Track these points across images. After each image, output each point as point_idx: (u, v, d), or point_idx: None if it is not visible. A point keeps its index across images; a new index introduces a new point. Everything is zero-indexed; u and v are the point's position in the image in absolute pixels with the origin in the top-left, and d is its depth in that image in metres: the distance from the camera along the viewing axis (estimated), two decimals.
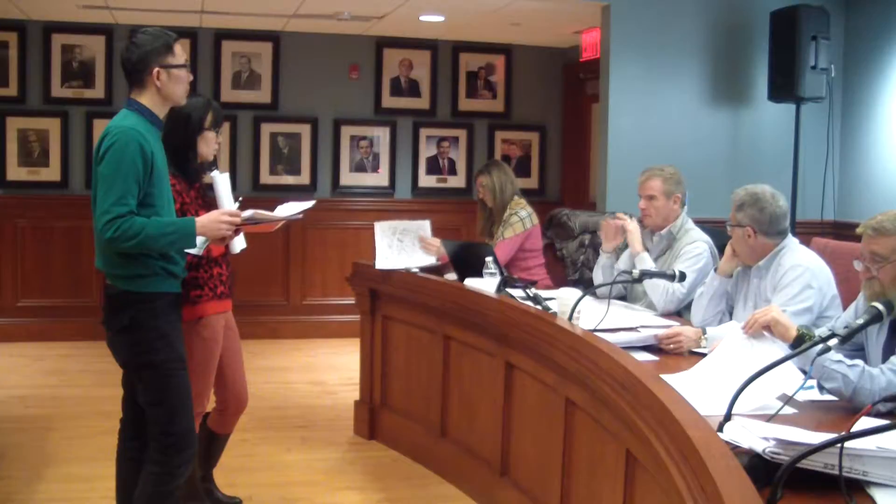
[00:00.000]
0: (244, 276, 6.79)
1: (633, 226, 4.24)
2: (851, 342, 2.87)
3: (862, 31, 6.14)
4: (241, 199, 3.45)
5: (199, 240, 3.13)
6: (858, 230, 2.82)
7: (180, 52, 3.08)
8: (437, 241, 4.79)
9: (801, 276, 3.37)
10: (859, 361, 2.60)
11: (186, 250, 3.20)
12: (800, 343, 2.64)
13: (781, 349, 2.74)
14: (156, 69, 3.01)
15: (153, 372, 3.05)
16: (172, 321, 3.09)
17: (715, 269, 3.75)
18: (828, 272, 3.44)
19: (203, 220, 3.08)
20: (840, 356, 2.58)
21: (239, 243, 3.47)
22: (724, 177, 5.97)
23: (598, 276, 4.38)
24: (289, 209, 3.44)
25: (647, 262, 4.09)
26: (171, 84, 3.05)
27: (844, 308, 3.39)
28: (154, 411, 3.08)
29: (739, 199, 3.53)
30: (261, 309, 7.39)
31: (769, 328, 2.73)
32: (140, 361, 3.05)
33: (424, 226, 4.85)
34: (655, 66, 6.01)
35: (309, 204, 3.48)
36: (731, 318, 3.63)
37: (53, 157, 7.20)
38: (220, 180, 3.46)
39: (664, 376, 2.56)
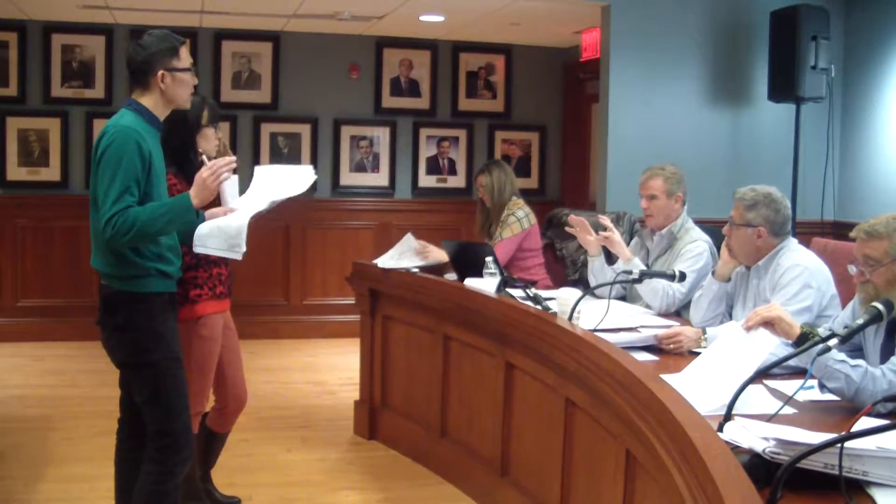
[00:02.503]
0: (244, 277, 6.78)
1: (616, 236, 4.21)
2: (849, 342, 2.87)
3: (862, 31, 6.14)
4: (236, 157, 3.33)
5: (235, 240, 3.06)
6: (852, 234, 2.81)
7: (186, 56, 3.08)
8: (429, 247, 4.79)
9: (800, 275, 3.37)
10: (862, 362, 2.60)
11: (204, 251, 3.13)
12: (803, 341, 2.63)
13: (775, 341, 2.73)
14: (160, 72, 3.01)
15: (149, 371, 3.04)
16: (167, 321, 3.09)
17: (713, 273, 3.74)
18: (826, 272, 3.44)
19: (192, 189, 2.99)
20: (843, 356, 2.58)
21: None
22: (724, 177, 5.97)
23: (592, 281, 4.36)
24: (270, 174, 3.38)
25: (640, 268, 4.07)
26: (175, 87, 3.04)
27: (844, 308, 3.39)
28: (151, 411, 3.08)
29: (751, 198, 3.49)
30: (261, 309, 7.39)
31: (772, 325, 2.72)
32: (136, 361, 3.05)
33: (408, 240, 4.84)
34: (655, 66, 6.01)
35: (304, 172, 3.38)
36: (730, 319, 3.62)
37: (53, 157, 7.20)
38: (228, 183, 3.43)
39: (664, 376, 2.56)
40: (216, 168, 3.00)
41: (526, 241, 5.10)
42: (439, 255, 4.80)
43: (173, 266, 3.11)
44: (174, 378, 3.07)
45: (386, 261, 4.78)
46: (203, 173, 3.00)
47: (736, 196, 3.56)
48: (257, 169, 3.45)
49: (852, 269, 2.81)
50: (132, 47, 3.05)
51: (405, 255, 4.77)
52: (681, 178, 4.22)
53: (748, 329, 2.73)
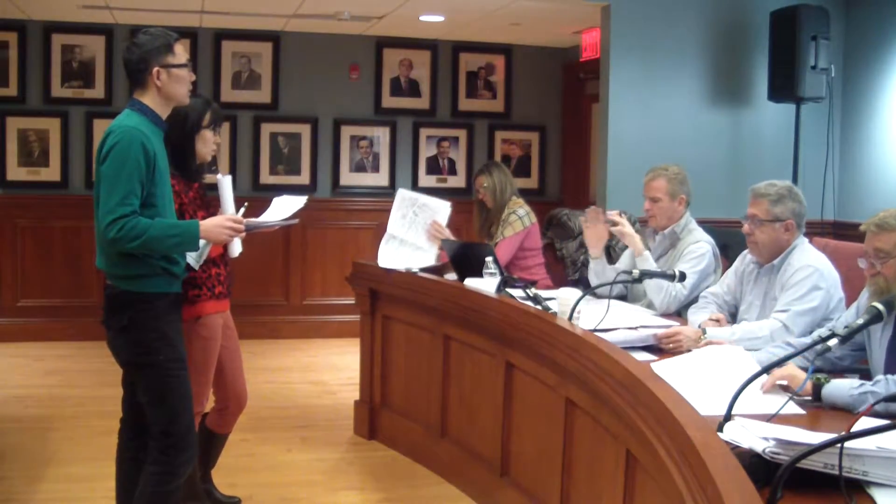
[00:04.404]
0: (244, 277, 6.79)
1: (628, 228, 4.20)
2: (852, 342, 2.87)
3: (862, 31, 6.14)
4: (245, 204, 3.46)
5: (200, 244, 3.13)
6: (862, 227, 2.82)
7: (181, 52, 3.08)
8: (446, 232, 4.79)
9: (810, 276, 3.36)
10: (880, 377, 2.59)
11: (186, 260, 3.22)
12: (817, 391, 2.62)
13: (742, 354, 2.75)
14: (156, 69, 3.01)
15: (153, 372, 3.05)
16: (172, 321, 3.09)
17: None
18: (836, 274, 3.42)
19: (207, 224, 3.09)
20: (858, 382, 2.57)
21: (236, 248, 3.48)
22: (724, 177, 5.98)
23: (593, 280, 4.35)
24: (284, 203, 3.52)
25: (648, 262, 4.08)
26: (172, 84, 3.05)
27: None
28: (154, 411, 3.08)
29: (776, 192, 3.44)
30: (261, 309, 7.39)
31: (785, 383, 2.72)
32: (140, 361, 3.05)
33: (443, 209, 4.84)
34: (655, 66, 6.01)
35: (301, 202, 3.54)
36: (734, 320, 3.61)
37: (53, 157, 7.20)
38: (224, 183, 3.47)
39: (664, 376, 2.55)
40: (238, 230, 3.16)
41: (527, 240, 5.11)
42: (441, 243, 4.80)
43: (179, 266, 3.11)
44: (178, 379, 3.08)
45: (396, 221, 4.84)
46: (227, 223, 3.13)
47: (757, 192, 3.49)
48: (275, 200, 3.62)
49: (862, 263, 2.81)
50: (127, 46, 3.06)
51: (419, 221, 4.77)
52: (684, 178, 4.21)
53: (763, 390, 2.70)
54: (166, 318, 3.06)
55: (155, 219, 2.94)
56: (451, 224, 4.89)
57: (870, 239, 2.78)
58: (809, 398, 2.63)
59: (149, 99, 3.05)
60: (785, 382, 2.66)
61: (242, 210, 3.41)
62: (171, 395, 3.06)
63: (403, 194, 4.94)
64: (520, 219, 5.08)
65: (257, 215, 3.52)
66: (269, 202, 3.66)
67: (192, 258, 3.29)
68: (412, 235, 4.82)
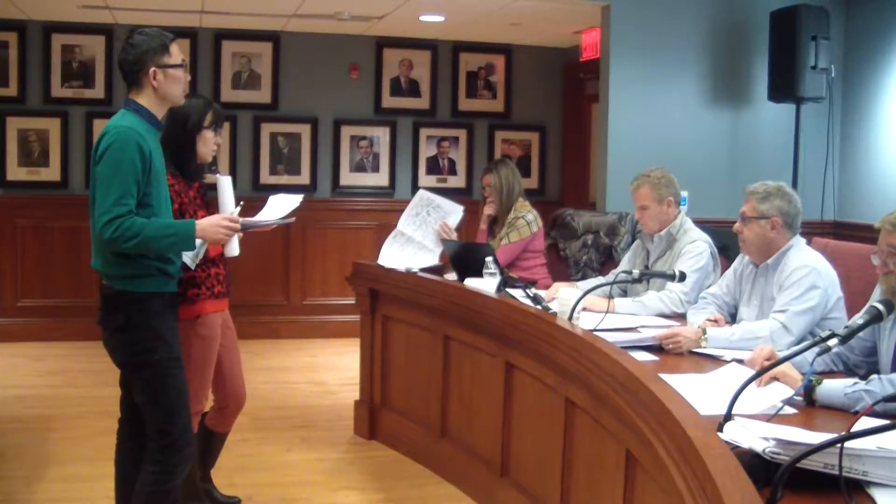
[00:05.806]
0: (244, 276, 6.79)
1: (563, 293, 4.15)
2: (863, 348, 2.86)
3: (862, 31, 6.14)
4: (241, 203, 3.47)
5: (196, 243, 3.14)
6: (877, 224, 2.80)
7: (177, 52, 3.08)
8: (453, 235, 4.84)
9: (807, 275, 3.35)
10: (874, 376, 2.59)
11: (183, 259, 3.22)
12: (808, 391, 2.62)
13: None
14: (152, 69, 3.01)
15: (150, 371, 3.04)
16: (168, 321, 3.09)
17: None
18: (833, 274, 3.42)
19: (203, 223, 3.09)
20: (852, 381, 2.57)
21: (234, 248, 3.48)
22: (724, 177, 5.97)
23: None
24: (280, 202, 3.52)
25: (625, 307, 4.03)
26: (168, 84, 3.05)
27: (847, 309, 3.39)
28: (151, 411, 3.08)
29: (765, 190, 3.46)
30: (261, 309, 7.39)
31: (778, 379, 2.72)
32: (137, 361, 3.05)
33: (455, 213, 4.90)
34: (655, 66, 6.01)
35: (297, 201, 3.55)
36: (734, 321, 3.61)
37: (53, 157, 7.20)
38: (224, 183, 3.48)
39: (664, 376, 2.55)
40: (234, 229, 3.15)
41: (531, 244, 5.09)
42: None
43: (174, 266, 3.11)
44: (175, 378, 3.08)
45: (408, 220, 4.87)
46: (224, 223, 3.13)
47: (747, 191, 3.52)
48: (271, 199, 3.61)
49: (875, 260, 2.80)
50: (122, 47, 3.06)
51: (430, 221, 4.80)
52: (669, 180, 4.21)
53: (759, 386, 2.69)
54: (162, 318, 3.05)
55: (151, 219, 2.94)
56: (458, 226, 4.90)
57: (885, 236, 2.75)
58: (802, 400, 2.61)
59: (144, 99, 3.04)
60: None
61: (238, 209, 3.41)
62: (167, 395, 3.06)
63: (422, 195, 4.96)
64: (528, 224, 5.04)
65: (254, 215, 3.52)
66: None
67: (188, 258, 3.29)
68: (420, 234, 4.84)
